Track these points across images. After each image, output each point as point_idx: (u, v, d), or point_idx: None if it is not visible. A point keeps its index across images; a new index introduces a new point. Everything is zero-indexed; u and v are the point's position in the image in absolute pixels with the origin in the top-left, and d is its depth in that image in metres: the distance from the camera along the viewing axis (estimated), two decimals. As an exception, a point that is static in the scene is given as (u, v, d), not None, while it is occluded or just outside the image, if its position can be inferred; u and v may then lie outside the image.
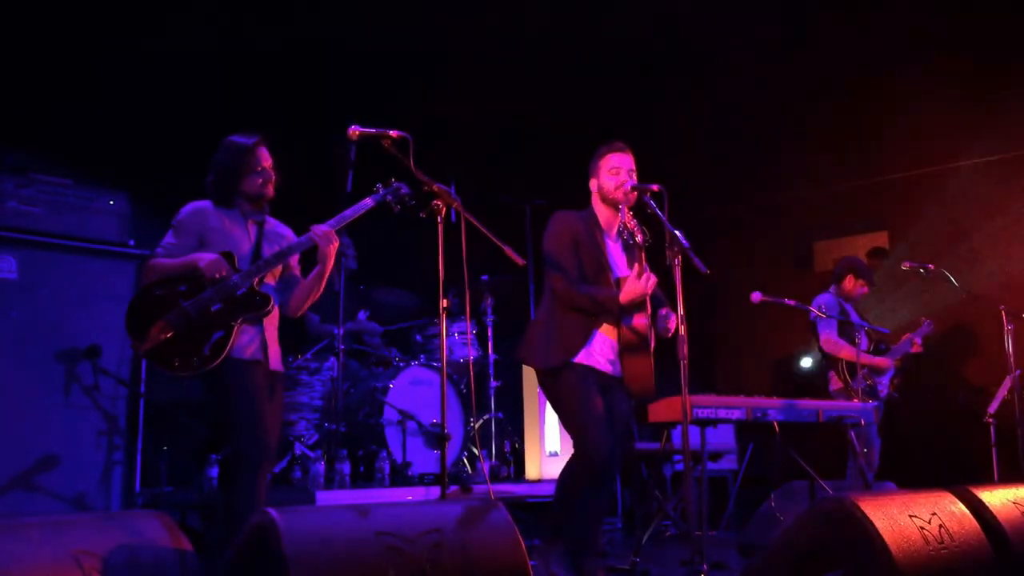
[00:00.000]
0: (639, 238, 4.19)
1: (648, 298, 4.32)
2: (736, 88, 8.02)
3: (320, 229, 4.06)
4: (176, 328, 3.81)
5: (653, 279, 4.25)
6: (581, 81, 7.99)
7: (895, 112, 7.98)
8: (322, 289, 4.23)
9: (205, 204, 4.11)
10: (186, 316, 3.82)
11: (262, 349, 4.01)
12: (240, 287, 3.92)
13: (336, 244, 4.09)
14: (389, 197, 4.16)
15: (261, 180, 4.11)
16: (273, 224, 4.27)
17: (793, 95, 8.04)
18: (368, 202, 4.16)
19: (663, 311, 4.41)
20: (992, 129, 7.77)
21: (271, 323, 4.08)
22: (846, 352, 6.61)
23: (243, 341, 3.93)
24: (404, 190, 4.17)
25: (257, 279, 3.98)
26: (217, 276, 3.88)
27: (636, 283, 4.22)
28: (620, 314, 4.30)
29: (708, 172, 8.96)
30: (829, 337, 6.73)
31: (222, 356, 3.82)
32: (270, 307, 3.99)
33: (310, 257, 4.14)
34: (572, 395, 4.26)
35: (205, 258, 3.90)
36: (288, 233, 4.31)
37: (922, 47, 7.33)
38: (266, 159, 4.14)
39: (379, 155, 3.93)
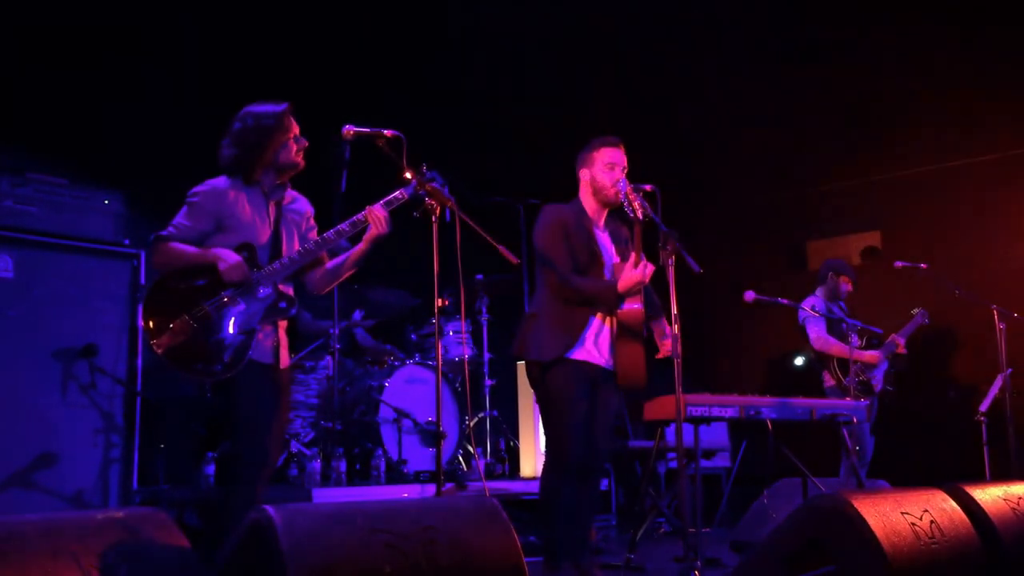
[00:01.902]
0: (639, 213, 4.18)
1: (641, 289, 4.30)
2: (732, 88, 8.04)
3: (380, 212, 3.86)
4: (196, 329, 3.64)
5: (651, 267, 4.23)
6: (576, 79, 8.01)
7: (889, 112, 8.01)
8: (352, 270, 4.05)
9: (223, 182, 3.85)
10: (207, 317, 3.66)
11: (275, 351, 3.85)
12: (263, 288, 3.76)
13: (388, 230, 3.87)
14: (422, 191, 3.90)
15: (296, 147, 3.87)
16: (292, 199, 4.04)
17: (788, 94, 8.07)
18: (401, 194, 3.93)
19: (666, 329, 4.40)
20: (985, 130, 7.81)
21: (283, 322, 3.93)
22: (836, 349, 6.67)
23: (258, 342, 3.77)
24: (438, 181, 3.91)
25: (280, 277, 3.83)
26: (238, 279, 3.71)
27: (634, 272, 4.20)
28: (617, 303, 4.28)
29: (702, 171, 8.99)
30: (819, 336, 6.78)
31: (243, 362, 3.66)
32: (295, 311, 3.84)
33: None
34: (559, 393, 4.26)
35: (226, 259, 3.70)
36: (306, 208, 4.09)
37: (917, 48, 7.36)
38: (296, 126, 3.90)
39: (374, 155, 3.94)
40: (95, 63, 6.43)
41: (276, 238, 3.89)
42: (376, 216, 3.86)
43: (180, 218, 3.81)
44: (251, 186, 3.88)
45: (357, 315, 7.28)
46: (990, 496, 3.73)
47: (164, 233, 3.78)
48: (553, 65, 7.79)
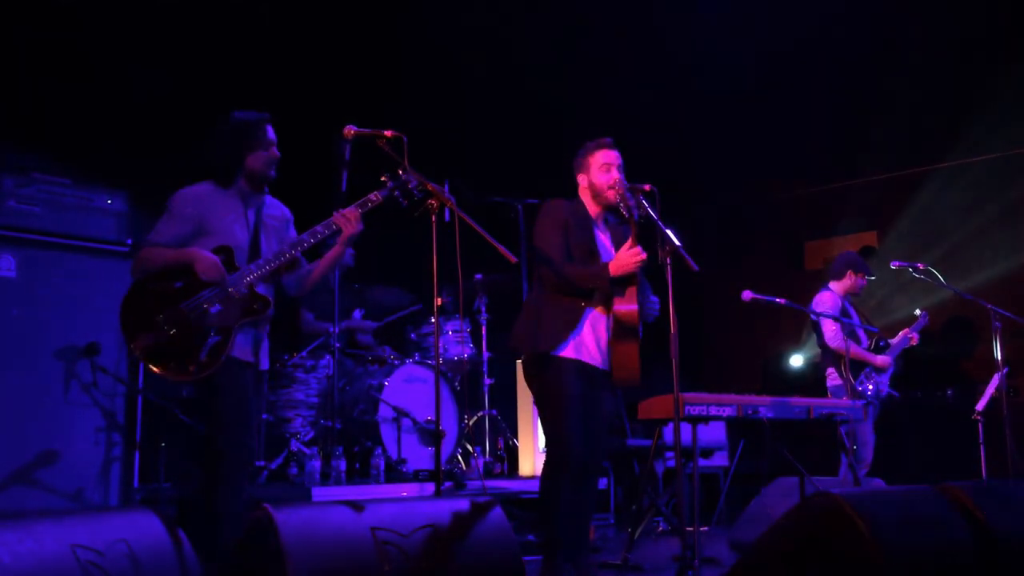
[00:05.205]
0: (635, 214, 4.21)
1: (636, 283, 4.32)
2: (729, 88, 8.05)
3: (351, 213, 3.95)
4: (172, 329, 3.72)
5: (643, 255, 4.24)
6: (575, 79, 8.02)
7: (885, 112, 8.03)
8: (329, 271, 4.19)
9: (202, 188, 3.97)
10: (183, 317, 3.73)
11: (254, 350, 3.93)
12: (239, 289, 3.83)
13: (360, 228, 3.96)
14: (397, 192, 3.99)
15: (267, 157, 3.98)
16: (270, 205, 4.14)
17: (786, 95, 8.08)
18: (375, 197, 4.02)
19: (651, 297, 4.44)
20: (980, 129, 7.82)
21: (263, 323, 4.00)
22: (854, 352, 6.55)
23: (237, 341, 3.84)
24: (412, 183, 3.98)
25: (256, 278, 3.89)
26: (214, 278, 3.79)
27: (626, 255, 4.22)
28: (611, 291, 4.28)
29: (700, 171, 9.01)
30: (837, 334, 6.65)
31: (219, 362, 3.73)
32: (269, 312, 3.92)
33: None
34: (555, 391, 4.26)
35: (202, 259, 3.78)
36: (284, 213, 4.20)
37: (912, 48, 7.38)
38: (273, 136, 4.03)
39: (374, 154, 3.96)
40: (98, 63, 6.44)
41: (255, 241, 4.00)
42: (347, 217, 3.95)
43: (160, 224, 3.92)
44: (230, 191, 3.99)
45: (357, 315, 7.30)
46: (986, 496, 3.75)
47: (145, 240, 3.90)
48: (553, 65, 7.81)
